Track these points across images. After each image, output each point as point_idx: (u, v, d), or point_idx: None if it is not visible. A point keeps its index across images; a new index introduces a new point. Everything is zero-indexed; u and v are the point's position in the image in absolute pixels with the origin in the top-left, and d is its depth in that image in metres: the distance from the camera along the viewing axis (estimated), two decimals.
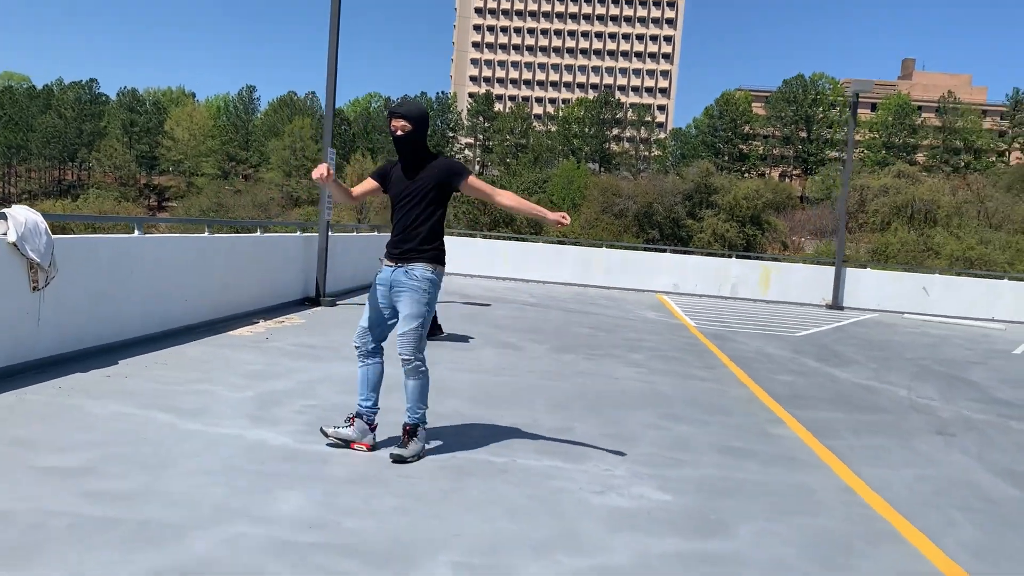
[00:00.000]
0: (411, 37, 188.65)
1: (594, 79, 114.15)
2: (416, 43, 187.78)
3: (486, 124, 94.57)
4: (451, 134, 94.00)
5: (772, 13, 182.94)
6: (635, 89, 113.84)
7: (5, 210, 5.70)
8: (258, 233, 10.17)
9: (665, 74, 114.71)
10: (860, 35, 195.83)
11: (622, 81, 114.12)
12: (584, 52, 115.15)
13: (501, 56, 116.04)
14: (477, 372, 7.18)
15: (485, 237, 20.50)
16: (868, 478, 4.92)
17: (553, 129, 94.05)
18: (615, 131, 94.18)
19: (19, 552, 3.00)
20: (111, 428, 4.61)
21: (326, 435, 4.57)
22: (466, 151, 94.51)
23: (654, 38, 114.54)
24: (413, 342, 4.43)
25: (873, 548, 3.78)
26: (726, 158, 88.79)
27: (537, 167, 78.46)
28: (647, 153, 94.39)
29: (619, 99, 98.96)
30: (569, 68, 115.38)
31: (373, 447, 4.61)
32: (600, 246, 19.68)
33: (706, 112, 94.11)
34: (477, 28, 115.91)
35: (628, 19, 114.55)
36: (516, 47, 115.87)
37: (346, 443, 4.58)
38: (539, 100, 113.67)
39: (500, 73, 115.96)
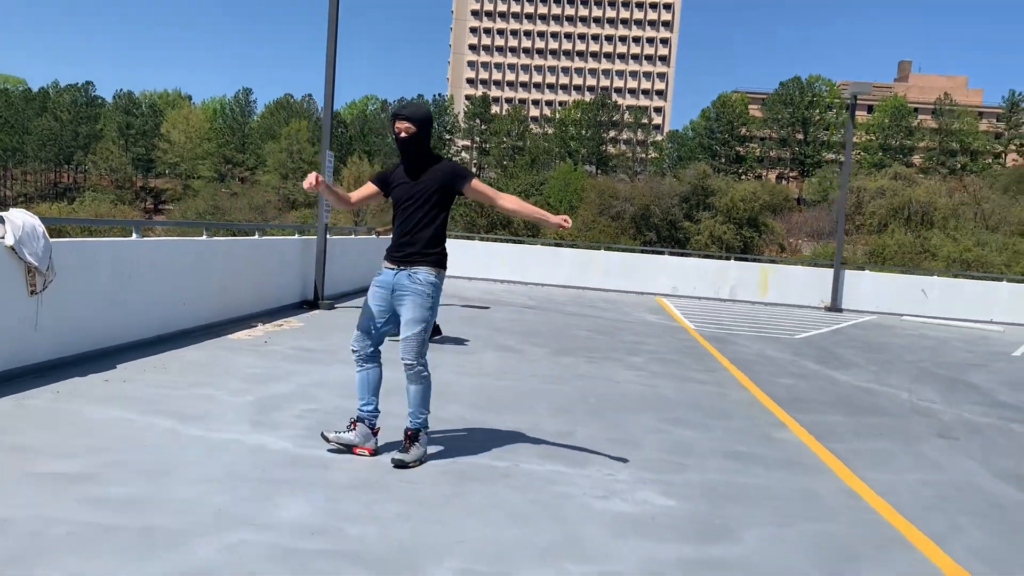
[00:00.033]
0: (408, 40, 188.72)
1: (591, 81, 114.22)
2: (413, 46, 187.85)
3: (483, 126, 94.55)
4: (448, 136, 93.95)
5: (768, 15, 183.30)
6: (631, 91, 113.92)
7: (3, 214, 5.65)
8: (256, 236, 10.13)
9: (661, 76, 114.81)
10: (856, 37, 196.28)
11: (619, 83, 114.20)
12: (580, 55, 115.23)
13: (498, 58, 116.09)
14: (478, 376, 7.15)
15: (483, 239, 20.47)
16: (872, 482, 4.89)
17: (550, 131, 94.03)
18: (612, 133, 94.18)
19: (18, 561, 2.96)
20: (110, 433, 4.57)
21: (327, 440, 4.53)
22: (463, 153, 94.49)
23: (650, 40, 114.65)
24: (416, 347, 4.40)
25: (881, 554, 3.75)
26: (723, 160, 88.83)
27: (534, 169, 78.45)
28: (644, 155, 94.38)
29: (616, 101, 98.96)
30: (566, 70, 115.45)
31: (375, 451, 4.58)
32: (598, 248, 19.66)
33: (703, 114, 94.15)
34: (474, 31, 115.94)
35: (624, 22, 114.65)
36: (513, 49, 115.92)
37: (348, 448, 4.54)
38: (536, 102, 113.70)
39: (497, 75, 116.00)
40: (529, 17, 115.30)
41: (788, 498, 4.46)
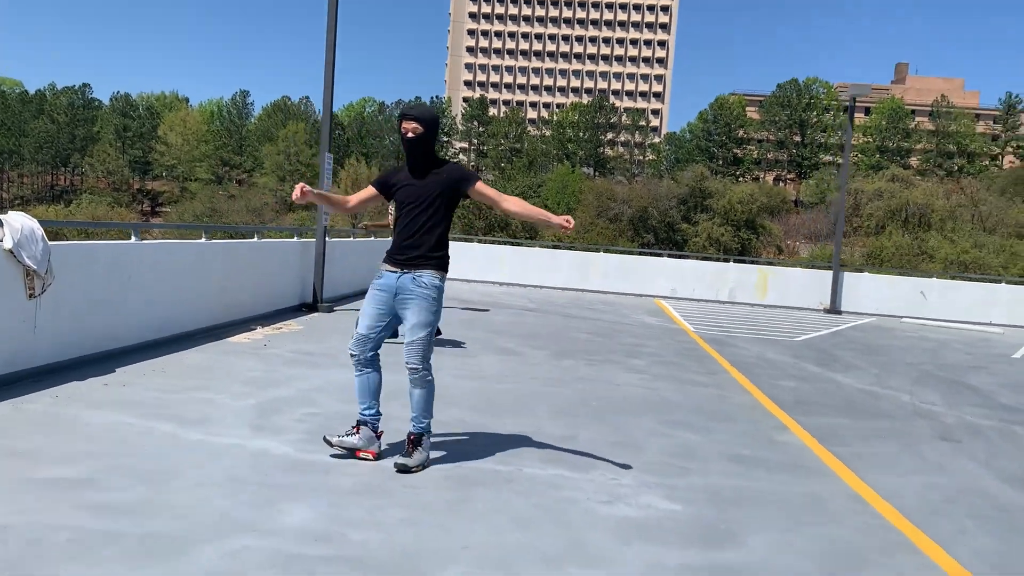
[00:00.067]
0: (405, 42, 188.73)
1: (588, 84, 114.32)
2: (410, 48, 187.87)
3: (480, 129, 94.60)
4: (445, 139, 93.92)
5: (765, 18, 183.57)
6: (629, 94, 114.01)
7: (1, 217, 5.62)
8: (255, 239, 10.09)
9: (659, 79, 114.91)
10: (854, 39, 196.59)
11: (616, 86, 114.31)
12: (578, 57, 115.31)
13: (495, 61, 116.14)
14: (478, 379, 7.12)
15: (482, 242, 20.45)
16: (877, 486, 4.87)
17: (547, 134, 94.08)
18: (609, 135, 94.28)
19: (18, 568, 2.93)
20: (111, 438, 4.54)
21: (331, 445, 4.49)
22: (460, 155, 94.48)
23: (648, 43, 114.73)
24: (422, 351, 4.37)
25: (888, 558, 3.72)
26: (720, 162, 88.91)
27: (532, 172, 78.45)
28: (641, 157, 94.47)
29: (613, 103, 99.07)
30: (563, 73, 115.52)
31: (379, 455, 4.55)
32: (597, 251, 19.64)
33: (700, 116, 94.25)
34: (471, 33, 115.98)
35: (622, 24, 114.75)
36: (510, 52, 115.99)
37: (351, 452, 4.50)
38: (533, 105, 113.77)
39: (494, 78, 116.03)
40: (527, 19, 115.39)
41: (793, 502, 4.44)
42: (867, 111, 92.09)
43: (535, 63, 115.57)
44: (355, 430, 4.53)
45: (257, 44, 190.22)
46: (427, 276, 4.38)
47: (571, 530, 3.75)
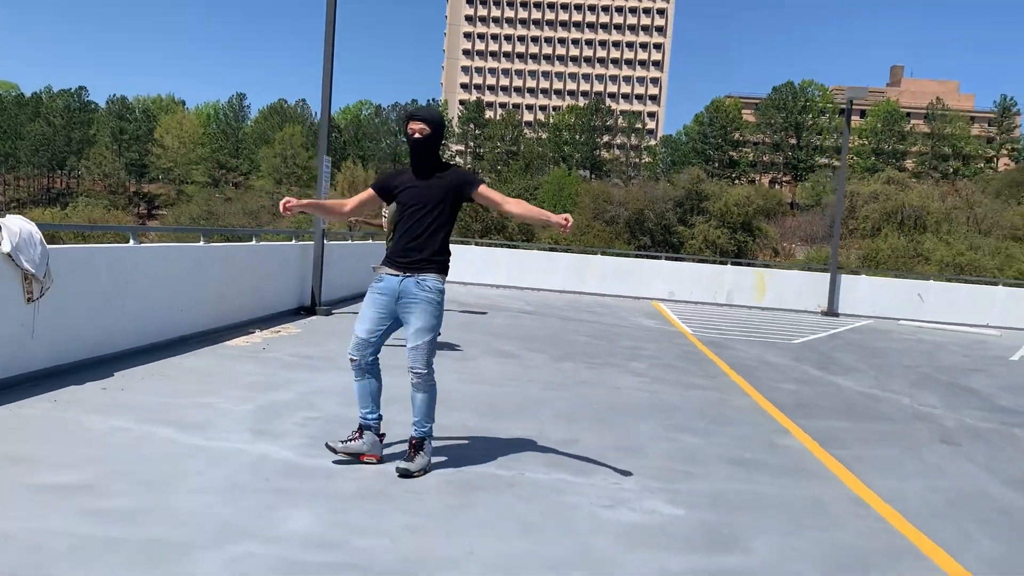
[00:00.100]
0: (402, 44, 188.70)
1: (584, 86, 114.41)
2: (407, 51, 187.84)
3: (477, 131, 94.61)
4: (442, 141, 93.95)
5: (761, 21, 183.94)
6: (625, 96, 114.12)
7: None
8: (253, 242, 10.06)
9: (655, 81, 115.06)
10: (849, 42, 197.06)
11: (612, 88, 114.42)
12: (574, 60, 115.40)
13: (492, 63, 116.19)
14: (479, 383, 7.10)
15: (479, 244, 20.43)
16: (879, 489, 4.86)
17: (544, 136, 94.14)
18: (605, 138, 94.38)
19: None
20: (110, 443, 4.51)
21: (334, 451, 4.44)
22: (457, 158, 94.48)
23: (644, 46, 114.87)
24: (426, 355, 4.35)
25: (893, 564, 3.71)
26: (716, 165, 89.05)
27: (528, 174, 78.48)
28: (638, 160, 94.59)
29: (609, 106, 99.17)
30: (559, 76, 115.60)
31: (381, 458, 4.53)
32: (595, 253, 19.63)
33: (696, 119, 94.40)
34: (468, 36, 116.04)
35: (618, 27, 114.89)
36: (507, 55, 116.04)
37: (355, 456, 4.48)
38: (529, 107, 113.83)
39: (491, 80, 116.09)
40: (523, 22, 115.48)
41: (796, 506, 4.42)
42: (862, 114, 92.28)
43: (531, 66, 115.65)
44: (358, 435, 4.50)
45: (253, 47, 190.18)
46: (431, 280, 4.36)
47: (575, 536, 3.73)
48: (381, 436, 4.57)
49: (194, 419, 5.13)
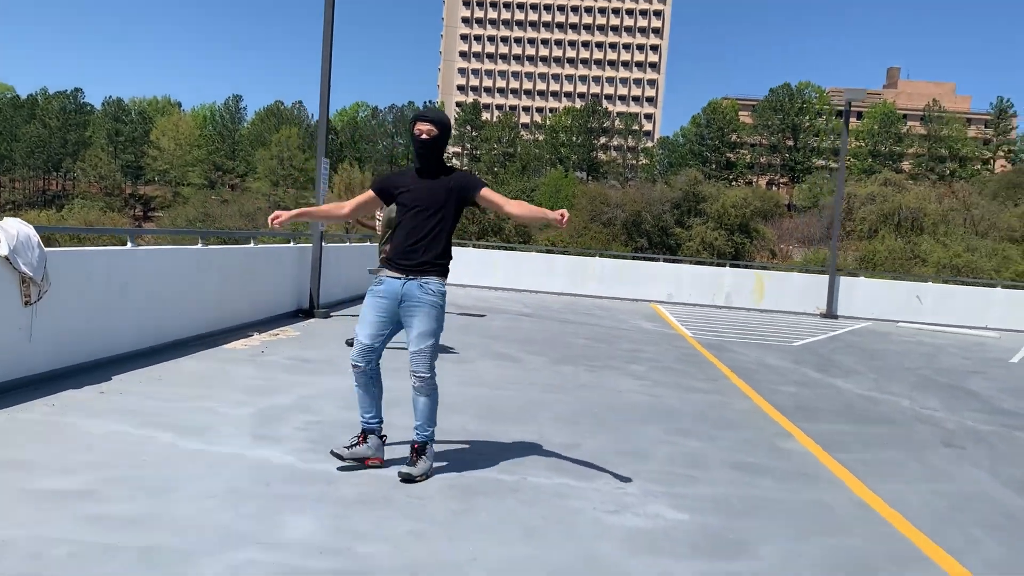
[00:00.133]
0: (399, 47, 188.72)
1: (581, 88, 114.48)
2: (403, 53, 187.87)
3: (474, 133, 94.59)
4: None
5: (758, 22, 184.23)
6: (622, 98, 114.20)
7: None
8: (251, 244, 10.02)
9: (652, 83, 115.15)
10: (846, 44, 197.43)
11: (609, 90, 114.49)
12: (571, 61, 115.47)
13: (488, 65, 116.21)
14: (479, 386, 7.07)
15: (476, 246, 20.40)
16: (883, 493, 4.83)
17: (541, 138, 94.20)
18: (602, 140, 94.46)
19: None
20: (109, 448, 4.47)
21: (341, 458, 4.38)
22: (453, 160, 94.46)
23: (640, 47, 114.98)
24: (429, 359, 4.32)
25: (900, 569, 3.68)
26: (713, 166, 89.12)
27: (525, 176, 78.50)
28: (635, 162, 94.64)
29: (606, 108, 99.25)
30: (556, 77, 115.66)
31: (384, 462, 4.50)
32: (593, 255, 19.61)
33: (693, 121, 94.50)
34: (464, 38, 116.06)
35: (614, 29, 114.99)
36: (503, 56, 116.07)
37: (360, 461, 4.44)
38: (526, 109, 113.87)
39: (487, 82, 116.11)
40: (520, 24, 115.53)
41: (801, 511, 4.39)
42: (859, 115, 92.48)
43: (528, 68, 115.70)
44: (361, 439, 4.46)
45: (250, 49, 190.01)
46: (434, 283, 4.33)
47: (579, 541, 3.70)
48: (383, 438, 4.54)
49: (193, 423, 5.09)
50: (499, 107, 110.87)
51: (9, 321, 5.53)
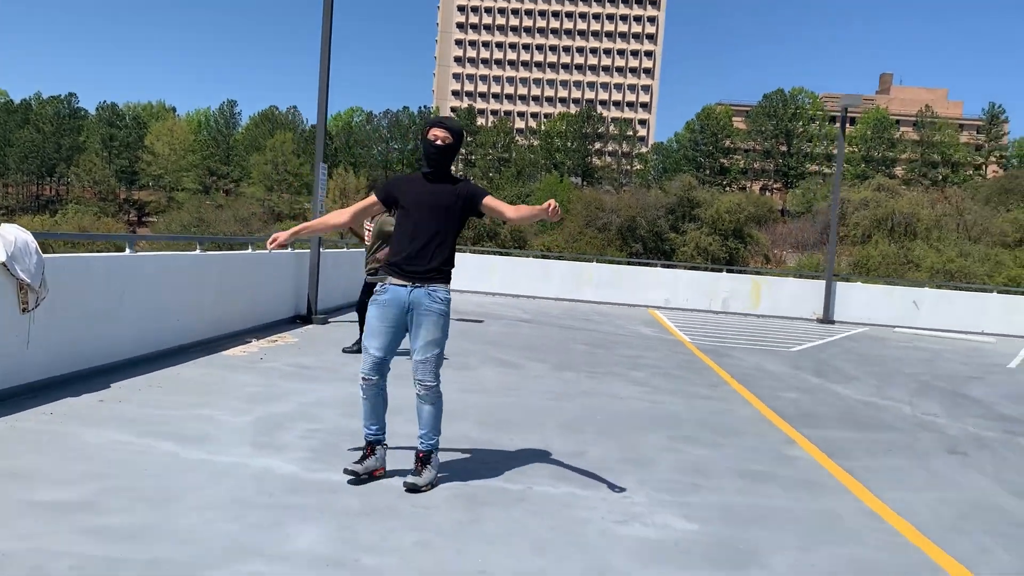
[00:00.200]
0: (393, 52, 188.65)
1: (576, 94, 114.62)
2: (398, 58, 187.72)
3: (468, 138, 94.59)
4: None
5: (752, 28, 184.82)
6: (616, 104, 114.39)
7: None
8: (249, 250, 9.96)
9: (646, 89, 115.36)
10: (838, 50, 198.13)
11: (603, 96, 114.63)
12: (566, 67, 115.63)
13: (483, 71, 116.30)
14: (481, 393, 7.02)
15: (473, 252, 20.36)
16: (891, 502, 4.79)
17: (535, 143, 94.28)
18: (597, 145, 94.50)
19: None
20: (108, 458, 4.40)
21: (356, 474, 4.29)
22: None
23: (635, 53, 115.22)
24: (435, 368, 4.27)
25: None
26: (707, 172, 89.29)
27: (520, 181, 78.51)
28: (629, 167, 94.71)
29: (601, 113, 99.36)
30: (551, 83, 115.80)
31: (385, 471, 4.45)
32: (590, 261, 19.58)
33: (687, 126, 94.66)
34: (459, 43, 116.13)
35: (609, 34, 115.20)
36: (498, 62, 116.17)
37: (371, 474, 4.38)
38: (521, 115, 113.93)
39: (482, 88, 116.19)
40: (514, 30, 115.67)
41: (809, 520, 4.35)
42: (852, 121, 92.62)
43: (523, 73, 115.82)
44: (369, 451, 4.39)
45: (244, 54, 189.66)
46: (442, 291, 4.28)
47: (589, 552, 3.65)
48: (385, 446, 4.49)
49: (194, 432, 5.03)
50: (494, 112, 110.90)
51: (7, 328, 5.46)
